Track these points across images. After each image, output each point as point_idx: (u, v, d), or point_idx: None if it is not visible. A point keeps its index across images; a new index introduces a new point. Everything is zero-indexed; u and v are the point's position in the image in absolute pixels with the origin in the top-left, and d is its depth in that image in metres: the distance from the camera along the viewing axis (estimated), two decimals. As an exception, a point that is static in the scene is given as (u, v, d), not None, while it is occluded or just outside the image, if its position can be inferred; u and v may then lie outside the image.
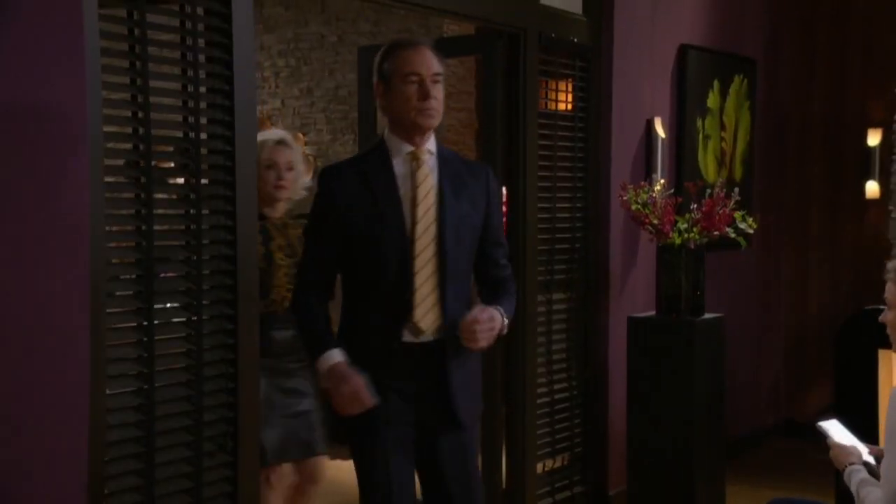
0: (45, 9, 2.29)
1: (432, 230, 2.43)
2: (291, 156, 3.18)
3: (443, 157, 2.50)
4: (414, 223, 2.41)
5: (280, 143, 3.17)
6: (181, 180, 2.64)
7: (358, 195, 2.43)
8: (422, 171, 2.44)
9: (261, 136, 3.01)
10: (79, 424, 2.30)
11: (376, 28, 6.18)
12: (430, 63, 2.43)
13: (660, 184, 4.07)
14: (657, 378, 3.89)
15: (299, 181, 3.24)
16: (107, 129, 2.38)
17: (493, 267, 2.59)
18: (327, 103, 6.44)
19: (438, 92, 2.44)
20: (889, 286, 2.32)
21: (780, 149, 5.57)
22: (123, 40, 2.44)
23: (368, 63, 4.25)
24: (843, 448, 2.34)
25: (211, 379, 2.64)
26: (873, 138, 5.31)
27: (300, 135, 6.63)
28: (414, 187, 2.43)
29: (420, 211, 2.42)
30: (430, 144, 2.49)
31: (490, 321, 2.40)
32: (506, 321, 2.49)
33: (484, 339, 2.39)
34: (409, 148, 2.46)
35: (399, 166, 2.45)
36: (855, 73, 5.41)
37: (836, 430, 2.39)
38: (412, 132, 2.44)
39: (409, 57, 2.42)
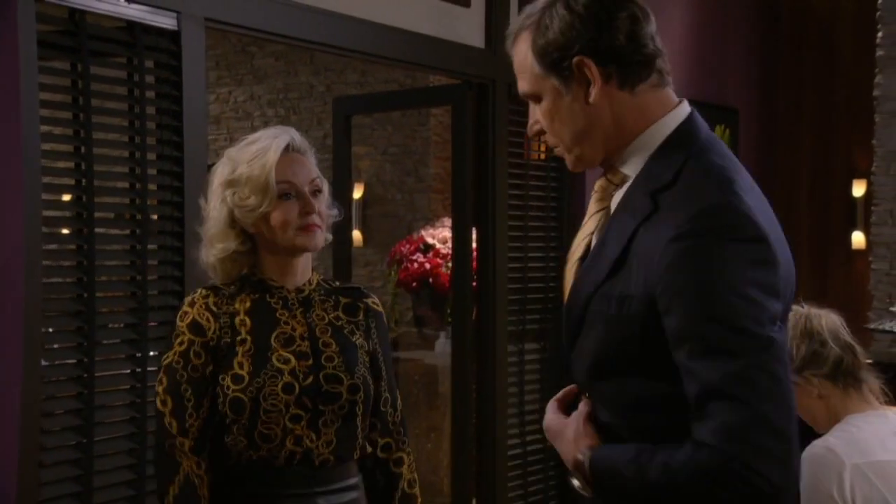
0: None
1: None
2: (312, 167, 1.91)
3: (648, 181, 1.38)
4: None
5: (290, 149, 1.87)
6: (127, 232, 2.63)
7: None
8: (591, 208, 1.47)
9: (249, 147, 1.84)
10: (7, 481, 2.26)
11: (363, 78, 6.25)
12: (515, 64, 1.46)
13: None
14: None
15: (331, 211, 1.93)
16: (46, 180, 2.38)
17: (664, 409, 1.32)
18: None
19: (538, 111, 1.45)
20: None
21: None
22: (67, 93, 2.45)
23: (343, 113, 4.31)
24: None
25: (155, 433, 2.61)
26: (858, 188, 5.27)
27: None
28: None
29: (567, 280, 1.48)
30: (633, 164, 1.41)
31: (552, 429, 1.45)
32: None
33: None
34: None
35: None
36: (841, 123, 5.39)
37: None
38: None
39: None
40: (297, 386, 1.80)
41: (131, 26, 2.55)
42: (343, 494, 1.85)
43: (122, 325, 2.57)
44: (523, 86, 1.43)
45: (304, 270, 1.92)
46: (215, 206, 1.87)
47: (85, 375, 2.45)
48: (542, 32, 1.39)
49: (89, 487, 2.43)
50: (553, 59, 1.38)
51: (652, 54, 1.40)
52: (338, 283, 1.99)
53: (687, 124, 1.41)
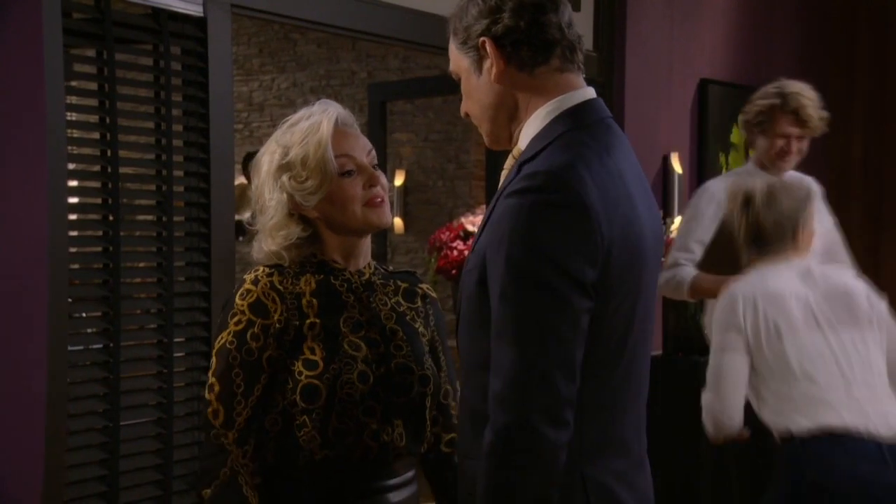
0: (2, 48, 2.29)
1: None
2: (366, 140, 1.78)
3: (524, 154, 1.50)
4: None
5: (346, 125, 1.75)
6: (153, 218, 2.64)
7: None
8: (500, 184, 1.55)
9: (297, 127, 1.71)
10: (34, 465, 2.29)
11: (405, 64, 6.20)
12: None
13: (675, 223, 3.97)
14: (661, 422, 3.76)
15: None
16: (72, 167, 2.40)
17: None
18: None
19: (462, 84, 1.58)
20: None
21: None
22: (92, 80, 2.47)
23: (378, 99, 4.31)
24: None
25: (181, 418, 2.62)
26: (915, 176, 5.11)
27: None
28: None
29: None
30: (525, 140, 1.51)
31: None
32: None
33: None
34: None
35: None
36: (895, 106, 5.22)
37: None
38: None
39: None
40: (370, 375, 1.69)
41: (157, 13, 2.56)
42: (409, 487, 1.77)
43: (148, 311, 2.59)
44: (450, 65, 1.57)
45: (367, 252, 1.79)
46: (271, 196, 1.71)
47: (111, 360, 2.47)
48: (461, 17, 1.52)
49: (115, 471, 2.46)
50: (463, 38, 1.52)
51: (553, 40, 1.48)
52: (391, 268, 1.88)
53: (576, 108, 1.49)
